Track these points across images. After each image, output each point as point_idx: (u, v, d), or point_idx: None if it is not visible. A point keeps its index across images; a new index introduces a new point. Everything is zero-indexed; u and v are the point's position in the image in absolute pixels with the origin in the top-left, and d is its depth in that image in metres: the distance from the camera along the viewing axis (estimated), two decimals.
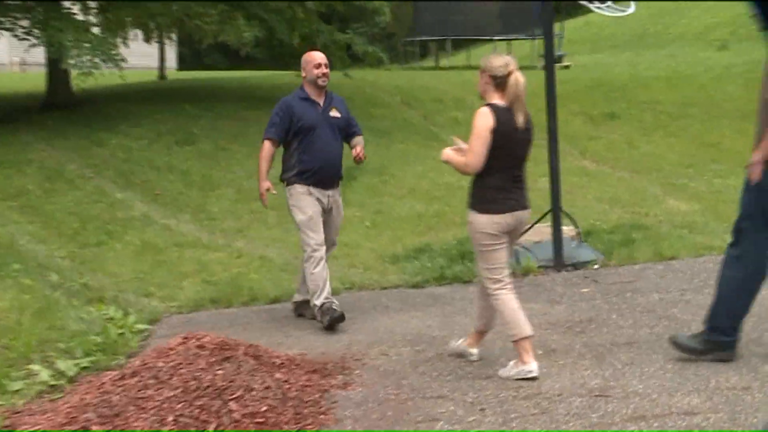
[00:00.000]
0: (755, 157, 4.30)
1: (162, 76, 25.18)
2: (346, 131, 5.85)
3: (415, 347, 5.05)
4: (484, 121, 4.26)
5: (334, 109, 5.71)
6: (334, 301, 5.61)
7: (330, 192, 5.68)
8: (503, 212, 4.36)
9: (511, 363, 4.43)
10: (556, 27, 25.77)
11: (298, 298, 5.93)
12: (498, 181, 4.34)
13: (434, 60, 27.28)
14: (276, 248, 7.82)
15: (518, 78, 4.29)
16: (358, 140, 5.92)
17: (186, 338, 4.30)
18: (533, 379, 4.32)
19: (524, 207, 4.48)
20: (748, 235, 4.39)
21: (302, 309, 5.89)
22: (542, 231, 7.18)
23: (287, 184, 5.69)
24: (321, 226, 5.62)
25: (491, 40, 25.16)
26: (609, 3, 12.09)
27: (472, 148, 4.30)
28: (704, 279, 6.05)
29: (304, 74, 5.65)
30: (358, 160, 5.82)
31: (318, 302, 5.51)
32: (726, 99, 16.25)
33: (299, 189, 5.61)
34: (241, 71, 28.03)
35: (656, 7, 30.42)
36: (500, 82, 4.30)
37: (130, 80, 15.53)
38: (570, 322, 5.33)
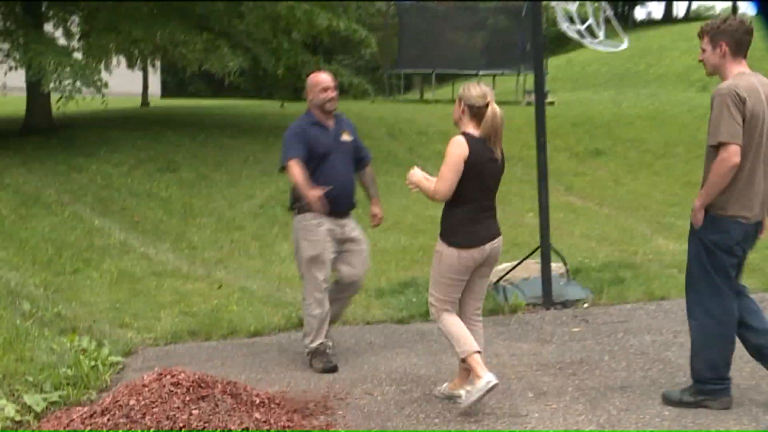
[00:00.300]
0: (696, 204, 4.20)
1: (145, 102, 25.03)
2: (356, 156, 5.48)
3: (401, 386, 4.84)
4: (457, 149, 4.19)
5: (345, 133, 5.34)
6: (330, 345, 5.33)
7: (344, 221, 5.27)
8: (471, 246, 4.28)
9: (466, 390, 4.33)
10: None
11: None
12: (467, 212, 4.28)
13: (419, 93, 27.30)
14: (257, 279, 7.61)
15: (495, 110, 4.22)
16: (373, 190, 5.68)
17: (161, 374, 4.07)
18: (493, 388, 4.22)
19: (494, 236, 4.38)
20: (701, 281, 4.26)
21: None
22: (530, 267, 7.02)
23: (297, 213, 5.23)
24: (329, 264, 5.20)
25: (476, 74, 25.21)
26: (601, 38, 12.03)
27: (442, 175, 4.20)
28: None
29: (310, 98, 5.25)
30: (375, 224, 5.63)
31: (312, 345, 5.20)
32: None
33: (311, 220, 5.13)
34: (225, 100, 27.98)
35: (638, 48, 30.69)
36: (476, 113, 4.24)
37: (112, 106, 15.32)
38: (561, 363, 5.15)
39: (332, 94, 5.22)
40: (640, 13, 60.94)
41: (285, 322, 6.33)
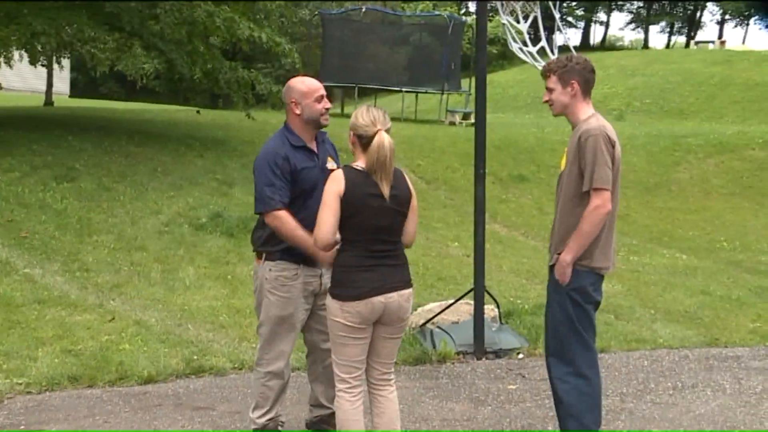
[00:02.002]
0: (567, 258, 3.85)
1: (49, 101, 23.58)
2: None
3: None
4: (331, 185, 3.68)
5: (329, 158, 4.20)
6: (283, 421, 4.37)
7: (323, 270, 4.13)
8: (356, 298, 3.66)
9: None
10: (464, 84, 25.61)
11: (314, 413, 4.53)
12: (351, 259, 3.71)
13: (340, 107, 26.64)
14: (156, 311, 6.79)
15: (383, 140, 3.62)
16: None
17: None
18: None
19: (393, 288, 3.70)
20: (570, 340, 3.96)
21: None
22: (459, 309, 6.43)
23: (266, 259, 4.13)
24: (300, 326, 4.21)
25: (400, 90, 24.72)
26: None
27: (319, 219, 3.67)
28: (643, 381, 5.39)
29: (297, 110, 4.05)
30: None
31: (261, 420, 4.23)
32: (630, 170, 16.16)
33: (284, 272, 4.08)
34: (139, 103, 26.77)
35: None
36: (366, 143, 3.67)
37: (12, 104, 14.14)
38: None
39: (329, 104, 4.16)
40: (559, 39, 61.66)
41: (184, 367, 5.56)
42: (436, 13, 33.29)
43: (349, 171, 3.67)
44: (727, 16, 62.85)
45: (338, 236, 3.70)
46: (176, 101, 26.10)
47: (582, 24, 63.12)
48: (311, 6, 27.75)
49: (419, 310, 6.67)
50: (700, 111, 27.38)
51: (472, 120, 21.99)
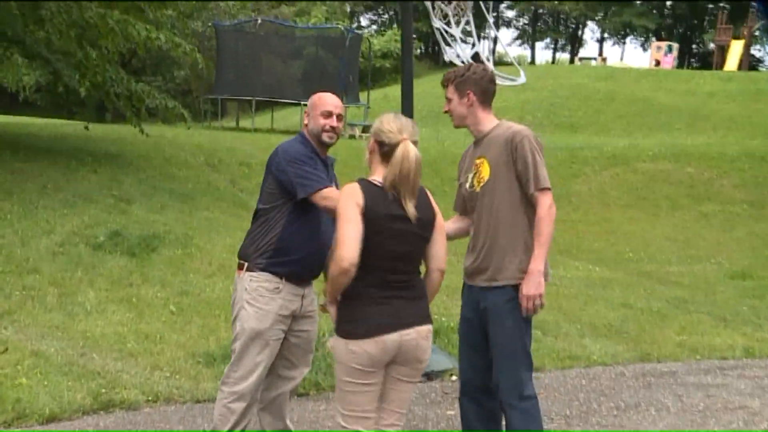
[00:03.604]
0: (539, 267, 3.66)
1: None
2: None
3: None
4: (348, 199, 3.20)
5: (334, 182, 4.03)
6: None
7: (305, 290, 3.99)
8: (364, 336, 3.19)
9: None
10: (362, 97, 25.49)
11: None
12: (362, 289, 3.22)
13: (235, 120, 26.05)
14: (56, 340, 6.20)
15: (408, 151, 3.20)
16: None
17: None
18: None
19: (409, 324, 3.24)
20: (519, 359, 3.78)
21: None
22: None
23: (248, 269, 3.91)
24: (274, 347, 3.91)
25: (298, 103, 24.39)
26: (500, 73, 11.54)
27: (341, 235, 3.17)
28: (584, 402, 5.25)
29: (305, 120, 4.02)
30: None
31: None
32: None
33: (265, 283, 3.87)
34: (19, 116, 25.37)
35: None
36: (387, 152, 3.27)
37: None
38: None
39: (336, 123, 3.95)
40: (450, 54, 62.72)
41: (92, 402, 5.06)
42: (330, 25, 33.09)
43: (366, 185, 3.25)
44: (605, 35, 65.38)
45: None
46: (61, 115, 24.89)
47: (471, 40, 64.33)
48: (204, 18, 27.06)
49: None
50: (589, 125, 28.17)
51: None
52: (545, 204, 3.67)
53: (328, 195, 3.72)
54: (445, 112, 3.95)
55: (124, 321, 6.79)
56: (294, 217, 3.85)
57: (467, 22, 22.65)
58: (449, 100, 3.91)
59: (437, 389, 5.47)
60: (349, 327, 3.23)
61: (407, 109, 5.71)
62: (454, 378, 5.70)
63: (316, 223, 3.89)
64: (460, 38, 20.93)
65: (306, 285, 3.99)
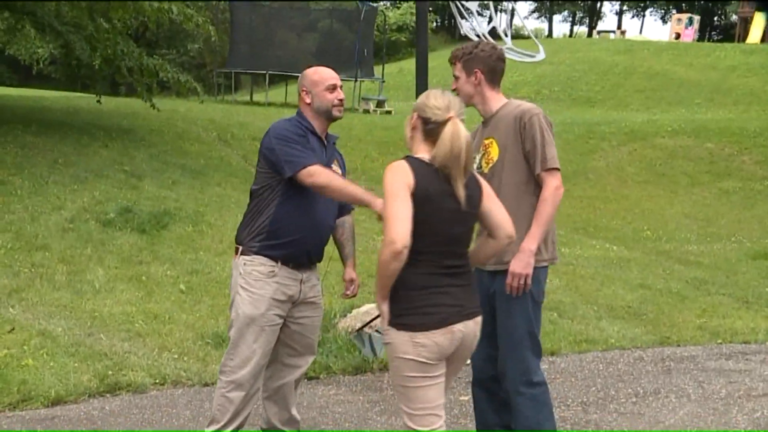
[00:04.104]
0: (531, 246, 3.51)
1: None
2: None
3: None
4: (395, 176, 2.95)
5: (335, 162, 3.91)
6: None
7: (305, 275, 3.81)
8: (434, 327, 2.97)
9: None
10: (376, 71, 25.22)
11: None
12: (420, 277, 2.99)
13: (248, 94, 25.87)
14: (63, 319, 6.12)
15: (458, 129, 2.97)
16: (349, 248, 4.08)
17: None
18: None
19: (470, 314, 3.05)
20: (527, 345, 3.65)
21: None
22: None
23: (242, 253, 3.76)
24: (271, 332, 3.73)
25: None
26: (508, 44, 11.24)
27: (390, 214, 2.89)
28: (602, 388, 5.09)
29: (307, 99, 3.79)
30: (351, 293, 4.10)
31: None
32: None
33: (260, 266, 3.71)
34: (34, 89, 25.28)
35: None
36: (432, 130, 3.05)
37: None
38: None
39: (342, 95, 3.82)
40: (466, 28, 62.14)
41: (98, 384, 4.97)
42: None
43: (415, 162, 3.02)
44: (624, 7, 64.48)
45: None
46: (75, 88, 24.78)
47: (487, 13, 63.65)
48: None
49: (354, 312, 6.23)
50: (607, 99, 27.79)
51: (387, 108, 21.71)
52: (551, 185, 3.54)
53: (314, 172, 3.56)
54: (453, 89, 3.75)
55: (132, 300, 6.70)
56: (287, 198, 3.69)
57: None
58: (456, 78, 3.77)
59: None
60: (413, 318, 2.96)
61: (422, 85, 5.52)
62: (468, 362, 5.55)
63: (312, 204, 3.71)
64: (477, 11, 20.56)
65: (305, 269, 3.81)
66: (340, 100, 3.78)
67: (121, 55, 13.00)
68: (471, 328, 3.06)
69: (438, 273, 3.01)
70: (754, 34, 40.13)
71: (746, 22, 42.18)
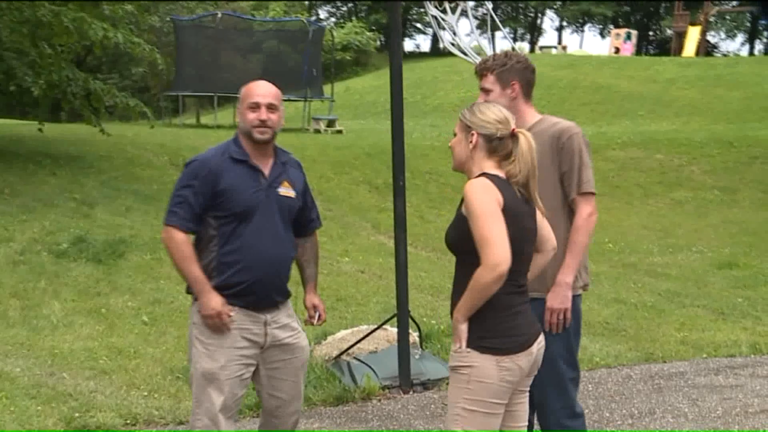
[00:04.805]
0: (568, 278, 3.37)
1: None
2: (299, 219, 3.59)
3: None
4: (484, 195, 2.79)
5: (285, 183, 3.46)
6: None
7: (269, 315, 3.41)
8: (516, 351, 2.85)
9: None
10: (326, 91, 25.05)
11: None
12: (502, 297, 2.84)
13: (195, 117, 25.46)
14: (21, 359, 5.77)
15: (531, 142, 2.91)
16: (311, 271, 3.71)
17: None
18: None
19: (538, 334, 2.96)
20: (566, 376, 3.48)
21: None
22: (375, 336, 5.80)
23: (194, 298, 3.44)
24: (236, 384, 3.36)
25: None
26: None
27: (489, 236, 2.73)
28: (595, 410, 4.95)
29: (237, 118, 3.47)
30: (314, 321, 3.71)
31: None
32: None
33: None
34: None
35: (412, 79, 30.92)
36: (497, 146, 2.92)
37: None
38: None
39: (266, 115, 3.34)
40: (408, 45, 62.60)
41: (65, 427, 4.68)
42: (292, 18, 32.56)
43: (497, 180, 2.87)
44: (564, 23, 65.49)
45: None
46: (12, 115, 24.04)
47: (431, 30, 64.06)
48: (161, 12, 26.37)
49: (329, 339, 6.02)
50: (554, 113, 27.00)
51: (338, 127, 21.51)
52: (585, 211, 3.40)
53: (167, 237, 3.34)
54: None
55: (94, 335, 6.38)
56: (235, 240, 3.33)
57: (463, 11, 22.06)
58: (487, 91, 3.50)
59: (436, 400, 5.14)
60: (500, 341, 2.83)
61: (397, 105, 5.34)
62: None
63: (260, 237, 3.34)
64: (453, 25, 20.48)
65: (268, 310, 3.42)
66: (262, 120, 3.32)
67: (67, 80, 12.59)
68: (541, 345, 2.98)
69: (515, 292, 2.91)
70: (689, 48, 41.13)
71: (681, 37, 43.16)
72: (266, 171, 3.42)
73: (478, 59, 11.54)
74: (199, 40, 24.15)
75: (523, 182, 2.90)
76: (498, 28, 22.60)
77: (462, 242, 2.86)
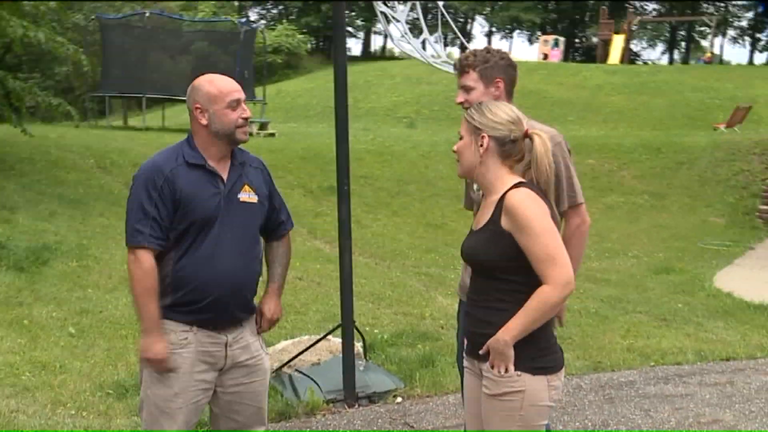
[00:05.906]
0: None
1: None
2: (268, 224, 3.23)
3: None
4: (537, 209, 2.60)
5: (246, 187, 3.08)
6: None
7: (230, 336, 3.07)
8: (561, 367, 2.72)
9: None
10: (257, 93, 24.65)
11: None
12: None
13: (122, 118, 24.75)
14: None
15: (547, 144, 2.69)
16: (279, 271, 3.27)
17: None
18: None
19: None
20: None
21: None
22: (317, 347, 5.58)
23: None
24: (193, 411, 3.05)
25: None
26: (444, 58, 11.02)
27: (556, 252, 2.55)
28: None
29: (202, 120, 3.00)
30: (265, 327, 3.24)
31: None
32: (438, 177, 16.16)
33: (170, 335, 2.99)
34: None
35: None
36: (511, 150, 2.70)
37: None
38: None
39: (247, 113, 3.04)
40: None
41: None
42: (222, 19, 32.01)
43: (535, 188, 2.67)
44: (493, 29, 66.22)
45: None
46: None
47: (362, 34, 64.04)
48: (85, 10, 25.59)
49: (270, 350, 5.74)
50: None
51: (270, 130, 21.16)
52: (575, 221, 3.25)
53: (138, 261, 2.93)
54: (460, 103, 3.33)
55: (15, 348, 5.97)
56: (192, 253, 2.98)
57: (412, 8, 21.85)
58: (469, 89, 3.30)
59: (383, 414, 4.93)
60: (550, 360, 2.68)
61: (342, 107, 5.13)
62: (399, 400, 5.18)
63: (221, 248, 2.99)
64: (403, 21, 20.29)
65: (230, 329, 3.08)
66: (245, 118, 3.02)
67: None
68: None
69: None
70: (614, 56, 42.00)
71: (606, 44, 44.02)
72: (224, 175, 3.06)
73: (429, 58, 11.38)
74: (127, 39, 23.51)
75: (544, 189, 2.69)
76: (435, 32, 22.42)
77: (503, 260, 2.63)
